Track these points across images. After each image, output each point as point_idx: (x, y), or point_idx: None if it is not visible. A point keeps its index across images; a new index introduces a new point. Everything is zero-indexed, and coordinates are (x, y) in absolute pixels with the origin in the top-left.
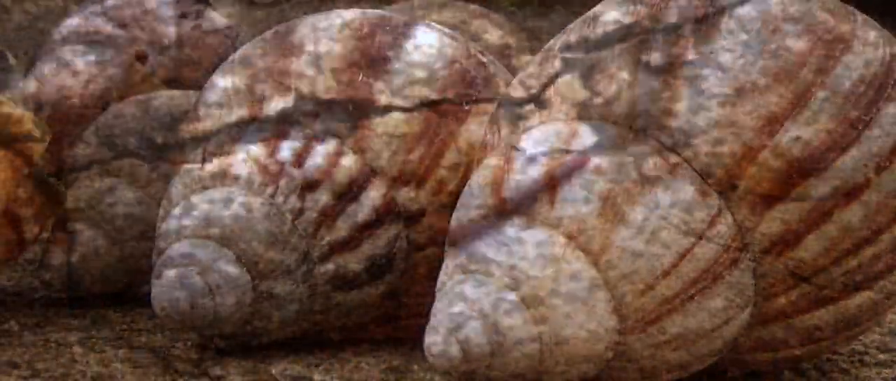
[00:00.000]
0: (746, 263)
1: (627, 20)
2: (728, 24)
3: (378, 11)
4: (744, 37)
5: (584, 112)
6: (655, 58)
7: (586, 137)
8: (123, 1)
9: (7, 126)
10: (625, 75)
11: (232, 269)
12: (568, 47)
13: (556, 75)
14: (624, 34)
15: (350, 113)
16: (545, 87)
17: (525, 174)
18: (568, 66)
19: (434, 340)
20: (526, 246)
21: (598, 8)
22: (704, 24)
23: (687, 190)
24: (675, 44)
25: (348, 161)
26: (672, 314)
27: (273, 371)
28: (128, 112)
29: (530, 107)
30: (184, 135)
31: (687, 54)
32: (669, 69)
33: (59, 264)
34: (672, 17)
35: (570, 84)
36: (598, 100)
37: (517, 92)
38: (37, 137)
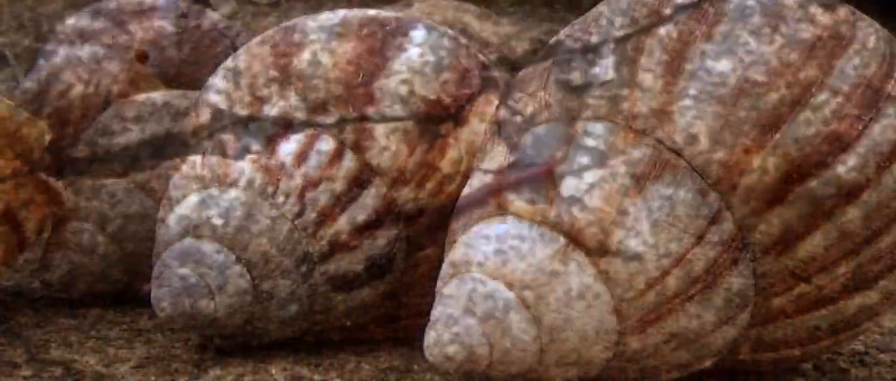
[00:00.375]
0: (746, 263)
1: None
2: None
3: (378, 11)
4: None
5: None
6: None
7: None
8: (124, 1)
9: (7, 126)
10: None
11: (232, 269)
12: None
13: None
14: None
15: (350, 113)
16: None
17: (524, 174)
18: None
19: (434, 340)
20: (526, 245)
21: (601, 4)
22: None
23: (687, 190)
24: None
25: (348, 161)
26: (672, 314)
27: (273, 371)
28: (128, 112)
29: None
30: (184, 135)
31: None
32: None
33: (59, 264)
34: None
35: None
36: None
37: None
38: (37, 137)
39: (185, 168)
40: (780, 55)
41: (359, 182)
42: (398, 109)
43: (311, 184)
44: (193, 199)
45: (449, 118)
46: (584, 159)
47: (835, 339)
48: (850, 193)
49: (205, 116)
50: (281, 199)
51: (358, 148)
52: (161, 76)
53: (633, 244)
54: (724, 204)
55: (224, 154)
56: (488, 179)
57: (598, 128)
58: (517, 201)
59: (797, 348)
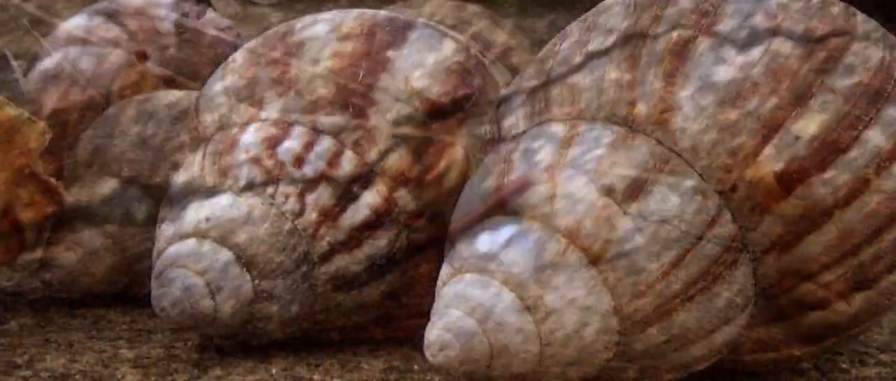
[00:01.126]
0: (746, 263)
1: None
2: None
3: (378, 11)
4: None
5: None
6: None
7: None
8: (124, 1)
9: (7, 126)
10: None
11: (232, 269)
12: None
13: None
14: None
15: (350, 113)
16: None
17: (525, 175)
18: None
19: (434, 340)
20: (525, 247)
21: (600, 7)
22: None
23: (687, 191)
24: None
25: (348, 161)
26: (672, 315)
27: (273, 371)
28: (127, 112)
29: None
30: (184, 135)
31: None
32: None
33: (59, 264)
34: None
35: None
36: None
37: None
38: (37, 137)
39: (184, 168)
40: (775, 61)
41: (359, 182)
42: (398, 111)
43: (311, 184)
44: (193, 199)
45: (449, 119)
46: (582, 164)
47: (835, 339)
48: (849, 193)
49: (205, 116)
50: (281, 199)
51: (357, 148)
52: (161, 76)
53: (633, 245)
54: (723, 205)
55: (224, 154)
56: (487, 181)
57: (593, 133)
58: (516, 204)
59: (797, 348)
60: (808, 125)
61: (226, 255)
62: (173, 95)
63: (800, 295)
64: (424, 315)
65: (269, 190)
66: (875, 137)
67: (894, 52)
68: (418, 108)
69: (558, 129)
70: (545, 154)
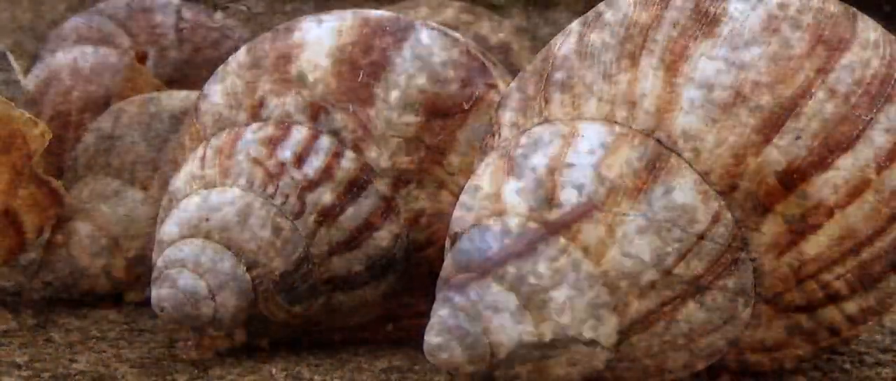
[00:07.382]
0: (747, 263)
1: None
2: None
3: (378, 11)
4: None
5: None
6: None
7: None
8: (124, 1)
9: (7, 126)
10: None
11: (232, 269)
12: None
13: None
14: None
15: (350, 113)
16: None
17: (525, 175)
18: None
19: (434, 340)
20: (525, 246)
21: (601, 5)
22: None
23: (687, 190)
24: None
25: (348, 161)
26: (672, 314)
27: (273, 371)
28: (128, 112)
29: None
30: (184, 135)
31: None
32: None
33: (59, 264)
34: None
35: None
36: None
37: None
38: (37, 138)
39: (184, 168)
40: (779, 57)
41: (359, 182)
42: (398, 111)
43: (311, 184)
44: (193, 199)
45: (449, 119)
46: (581, 164)
47: (836, 339)
48: (850, 193)
49: (205, 116)
50: (281, 199)
51: (358, 148)
52: (161, 76)
53: (634, 245)
54: (724, 204)
55: (224, 154)
56: (488, 179)
57: (593, 132)
58: (516, 202)
59: (797, 348)
60: (809, 125)
61: (226, 255)
62: (174, 95)
63: (800, 295)
64: (424, 315)
65: (269, 190)
66: (876, 137)
67: (895, 51)
68: (419, 107)
69: (558, 128)
70: (545, 154)
